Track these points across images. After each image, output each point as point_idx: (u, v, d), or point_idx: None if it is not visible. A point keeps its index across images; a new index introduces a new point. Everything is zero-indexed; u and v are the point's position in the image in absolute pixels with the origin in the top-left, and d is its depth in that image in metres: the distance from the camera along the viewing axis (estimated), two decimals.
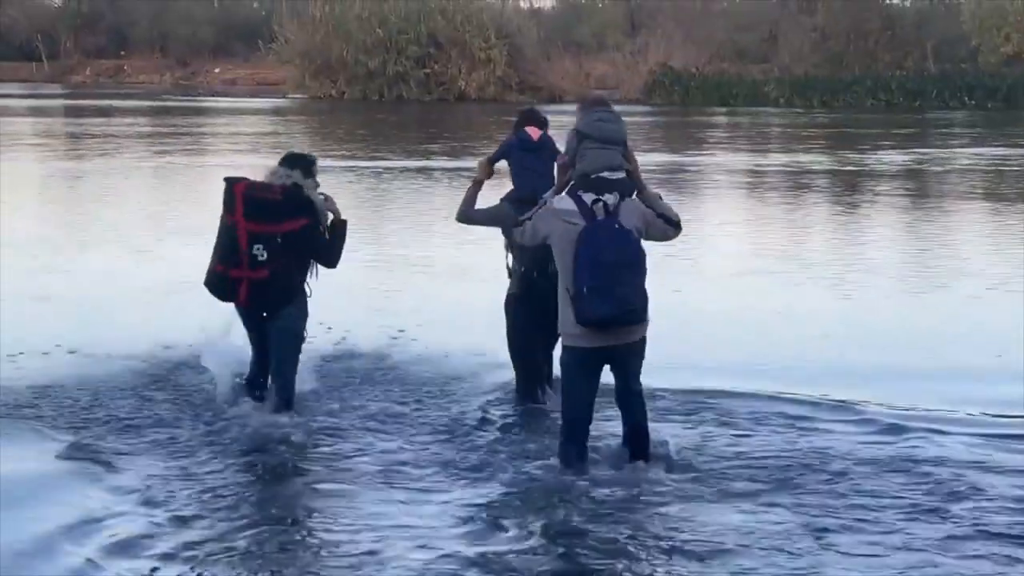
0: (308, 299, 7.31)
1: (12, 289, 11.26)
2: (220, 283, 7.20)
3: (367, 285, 11.54)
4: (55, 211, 17.82)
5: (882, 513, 5.96)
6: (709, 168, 24.57)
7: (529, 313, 7.39)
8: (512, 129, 7.76)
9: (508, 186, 7.64)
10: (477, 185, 7.47)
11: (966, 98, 49.08)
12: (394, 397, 7.89)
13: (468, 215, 7.45)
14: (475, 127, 37.40)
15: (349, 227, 7.42)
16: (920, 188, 21.48)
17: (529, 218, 6.32)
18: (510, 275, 7.56)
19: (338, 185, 18.76)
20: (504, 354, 7.70)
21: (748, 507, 6.00)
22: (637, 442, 6.43)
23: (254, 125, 36.13)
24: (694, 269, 12.92)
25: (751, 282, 12.34)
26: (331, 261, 7.33)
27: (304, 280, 7.29)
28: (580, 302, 6.06)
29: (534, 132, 7.70)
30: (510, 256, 7.54)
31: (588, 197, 6.19)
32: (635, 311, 6.10)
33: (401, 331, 9.45)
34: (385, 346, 8.98)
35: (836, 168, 24.63)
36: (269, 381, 7.40)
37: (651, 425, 6.52)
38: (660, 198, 6.36)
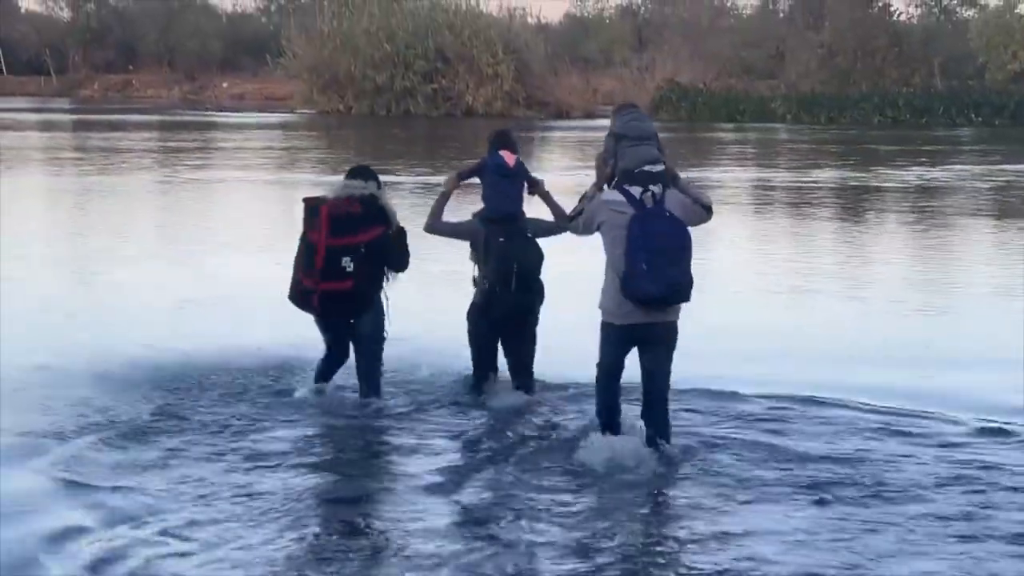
0: (385, 303, 7.87)
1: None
2: (303, 295, 7.72)
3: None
4: (125, 223, 17.88)
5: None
6: (725, 183, 24.59)
7: (490, 322, 8.10)
8: (488, 149, 8.18)
9: (480, 203, 8.15)
10: (444, 197, 8.12)
11: (973, 115, 49.12)
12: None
13: (434, 226, 8.13)
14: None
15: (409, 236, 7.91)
16: (973, 205, 21.50)
17: (579, 213, 7.00)
18: (475, 284, 8.17)
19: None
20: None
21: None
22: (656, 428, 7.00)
23: (277, 140, 36.22)
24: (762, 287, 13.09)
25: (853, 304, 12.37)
26: (403, 265, 7.90)
27: (381, 286, 7.84)
28: (633, 280, 6.72)
29: (509, 158, 8.13)
30: (476, 268, 8.17)
31: (635, 189, 6.88)
32: (683, 290, 6.79)
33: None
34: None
35: (881, 184, 24.67)
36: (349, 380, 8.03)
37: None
38: (692, 185, 7.06)
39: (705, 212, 6.98)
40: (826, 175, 26.87)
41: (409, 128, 44.61)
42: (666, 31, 58.82)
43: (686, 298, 6.85)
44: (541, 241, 8.22)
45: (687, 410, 7.93)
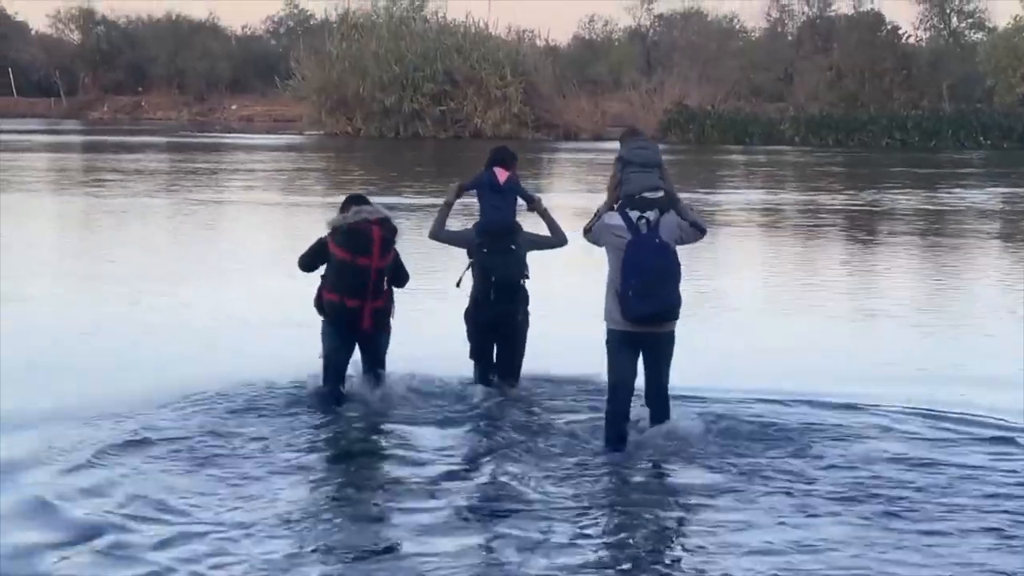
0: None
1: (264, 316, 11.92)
2: (350, 315, 8.47)
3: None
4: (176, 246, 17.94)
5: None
6: (730, 206, 24.62)
7: (481, 323, 8.87)
8: (485, 165, 8.94)
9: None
10: (447, 207, 8.92)
11: (982, 138, 49.15)
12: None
13: (437, 234, 8.97)
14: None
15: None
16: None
17: (590, 229, 7.75)
18: (458, 285, 8.90)
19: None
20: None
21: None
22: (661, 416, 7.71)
23: (286, 162, 36.33)
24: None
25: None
26: (405, 282, 8.90)
27: (394, 303, 8.77)
28: (627, 301, 7.45)
29: (501, 174, 8.89)
30: (469, 273, 8.90)
31: (634, 214, 7.60)
32: (672, 309, 7.52)
33: None
34: None
35: (923, 206, 24.69)
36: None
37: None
38: (691, 209, 7.79)
39: (700, 233, 7.73)
40: (834, 198, 26.88)
41: (418, 150, 44.73)
42: (675, 54, 59.08)
43: (674, 316, 7.57)
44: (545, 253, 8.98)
45: (752, 420, 8.25)
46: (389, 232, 8.54)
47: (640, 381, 7.67)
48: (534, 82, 54.23)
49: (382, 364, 8.75)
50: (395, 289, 8.77)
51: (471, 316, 8.95)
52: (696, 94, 54.02)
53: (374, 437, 7.94)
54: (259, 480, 6.93)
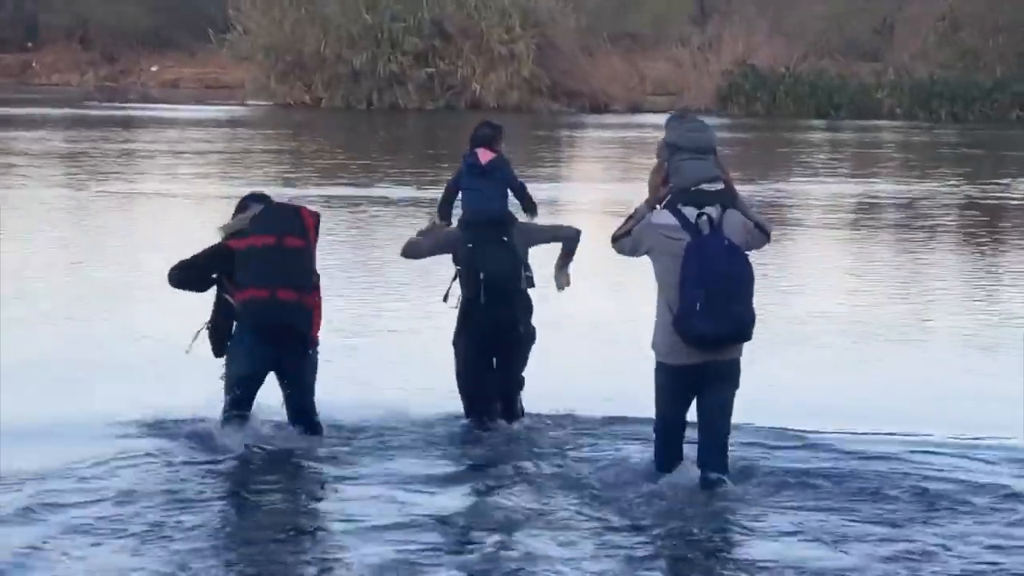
0: None
1: None
2: (282, 312, 8.89)
3: None
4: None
5: None
6: (812, 200, 24.62)
7: (473, 344, 9.30)
8: (469, 148, 9.54)
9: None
10: (421, 233, 9.63)
11: None
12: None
13: (413, 247, 9.59)
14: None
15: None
16: None
17: (628, 232, 7.93)
18: (445, 298, 9.37)
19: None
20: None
21: None
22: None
23: (223, 141, 36.33)
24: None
25: None
26: None
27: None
28: (689, 320, 7.66)
29: (484, 155, 9.44)
30: (456, 284, 9.36)
31: (689, 211, 7.81)
32: (745, 329, 7.77)
33: None
34: None
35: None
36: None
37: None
38: (752, 206, 8.02)
39: (765, 238, 8.02)
40: (949, 190, 26.87)
41: (397, 126, 44.66)
42: None
43: (747, 337, 7.84)
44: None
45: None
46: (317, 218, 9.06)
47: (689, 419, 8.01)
48: (551, 36, 54.14)
49: (312, 405, 9.12)
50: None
51: (462, 338, 9.33)
52: (765, 51, 53.94)
53: (328, 506, 8.13)
54: None
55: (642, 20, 66.47)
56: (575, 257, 9.66)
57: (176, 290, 9.21)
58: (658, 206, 7.95)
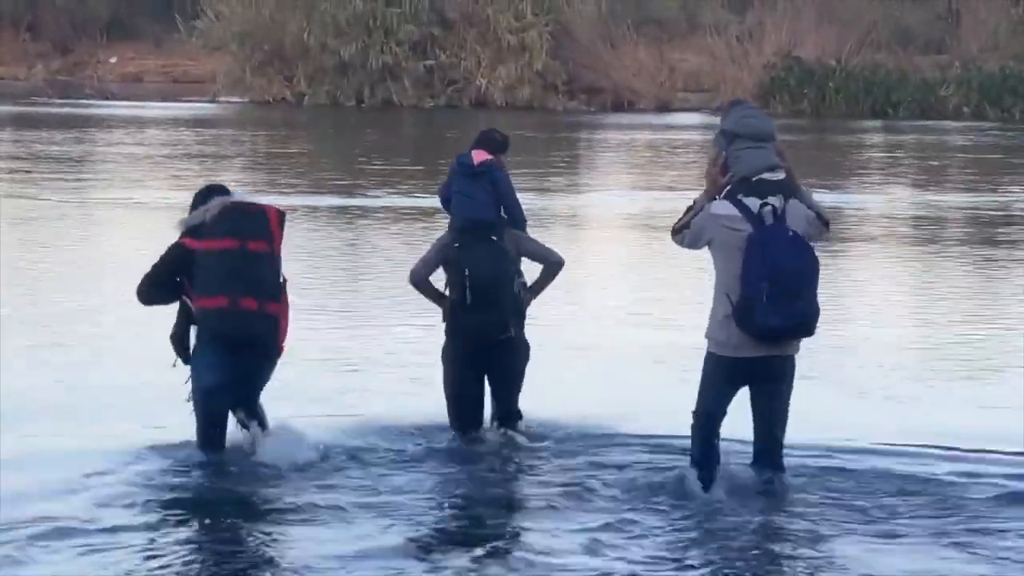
0: None
1: None
2: (244, 323, 9.35)
3: None
4: None
5: None
6: (867, 211, 24.55)
7: (462, 355, 10.01)
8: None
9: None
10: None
11: None
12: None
13: (417, 275, 10.22)
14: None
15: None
16: None
17: (687, 226, 8.68)
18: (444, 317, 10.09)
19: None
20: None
21: None
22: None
23: (191, 143, 36.34)
24: None
25: None
26: None
27: None
28: (752, 311, 8.43)
29: (478, 155, 10.11)
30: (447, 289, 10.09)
31: (751, 201, 8.57)
32: (810, 323, 8.60)
33: None
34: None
35: None
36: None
37: None
38: (811, 195, 8.84)
39: (825, 228, 8.78)
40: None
41: (393, 125, 44.68)
42: None
43: (811, 332, 8.71)
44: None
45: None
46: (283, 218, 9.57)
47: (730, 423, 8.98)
48: (567, 23, 54.20)
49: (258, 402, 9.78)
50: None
51: (448, 341, 10.10)
52: (813, 42, 53.91)
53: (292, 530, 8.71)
54: None
55: (672, 5, 66.51)
56: (548, 286, 10.35)
57: (148, 307, 9.79)
58: (718, 197, 8.68)
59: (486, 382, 10.21)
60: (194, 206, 9.57)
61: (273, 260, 9.35)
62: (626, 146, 39.30)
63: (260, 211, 9.46)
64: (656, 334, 14.47)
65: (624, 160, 35.52)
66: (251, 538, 8.56)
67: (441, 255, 10.04)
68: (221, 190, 9.68)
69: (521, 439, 10.22)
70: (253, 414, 9.64)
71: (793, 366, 8.80)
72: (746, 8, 59.29)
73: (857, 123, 47.44)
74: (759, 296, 8.39)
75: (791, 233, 8.50)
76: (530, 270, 10.34)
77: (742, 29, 55.81)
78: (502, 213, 10.11)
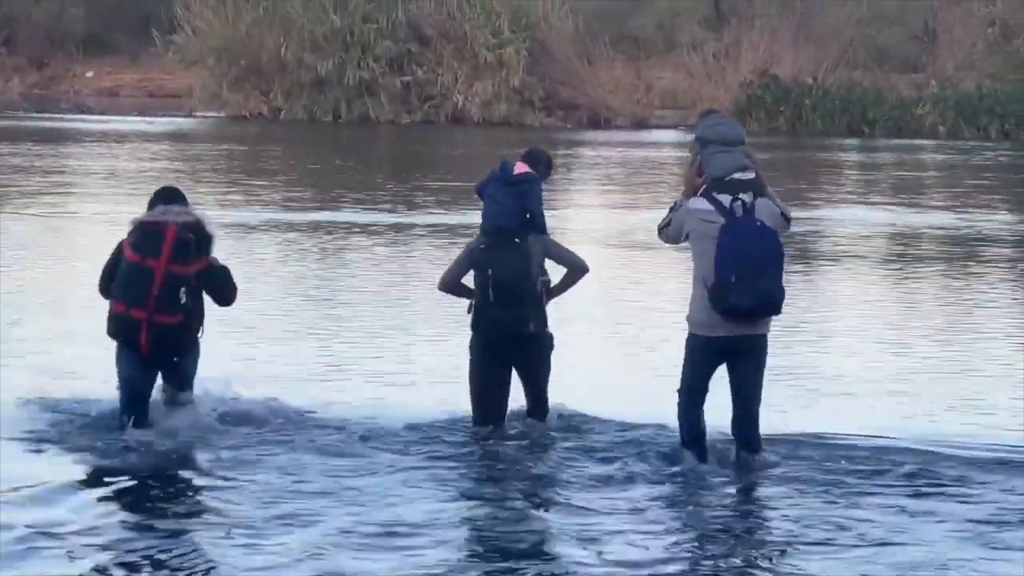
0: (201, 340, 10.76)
1: None
2: (128, 328, 10.29)
3: None
4: None
5: None
6: (840, 229, 24.53)
7: (488, 350, 10.65)
8: None
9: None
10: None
11: None
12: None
13: (447, 280, 10.93)
14: (485, 166, 37.42)
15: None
16: None
17: (668, 224, 9.91)
18: (469, 309, 10.75)
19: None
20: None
21: None
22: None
23: (168, 159, 36.25)
24: None
25: None
26: (231, 299, 10.81)
27: (203, 321, 10.68)
28: (723, 291, 9.59)
29: (520, 167, 10.85)
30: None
31: (723, 198, 9.73)
32: (775, 304, 9.78)
33: None
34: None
35: None
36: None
37: None
38: (776, 195, 9.98)
39: (787, 224, 9.98)
40: (1000, 222, 26.81)
41: (369, 140, 44.61)
42: (758, 1, 59.09)
43: (777, 311, 9.87)
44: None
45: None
46: (192, 234, 10.29)
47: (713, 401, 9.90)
48: (544, 40, 54.19)
49: (186, 398, 10.74)
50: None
51: (477, 346, 10.71)
52: (789, 60, 53.98)
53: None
54: None
55: (648, 23, 66.55)
56: (569, 290, 11.01)
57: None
58: (695, 196, 9.82)
59: (510, 381, 10.86)
60: (149, 207, 10.53)
61: (168, 275, 10.19)
62: (601, 163, 39.23)
63: (159, 231, 10.26)
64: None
65: (600, 176, 35.47)
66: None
67: (470, 258, 10.71)
68: (167, 196, 10.62)
69: (546, 431, 10.88)
70: (174, 397, 10.72)
71: (765, 344, 9.94)
72: (723, 26, 59.41)
73: (833, 141, 47.53)
74: (730, 279, 9.54)
75: (758, 223, 9.68)
76: (556, 273, 10.92)
77: (719, 47, 55.91)
78: (527, 217, 10.71)
